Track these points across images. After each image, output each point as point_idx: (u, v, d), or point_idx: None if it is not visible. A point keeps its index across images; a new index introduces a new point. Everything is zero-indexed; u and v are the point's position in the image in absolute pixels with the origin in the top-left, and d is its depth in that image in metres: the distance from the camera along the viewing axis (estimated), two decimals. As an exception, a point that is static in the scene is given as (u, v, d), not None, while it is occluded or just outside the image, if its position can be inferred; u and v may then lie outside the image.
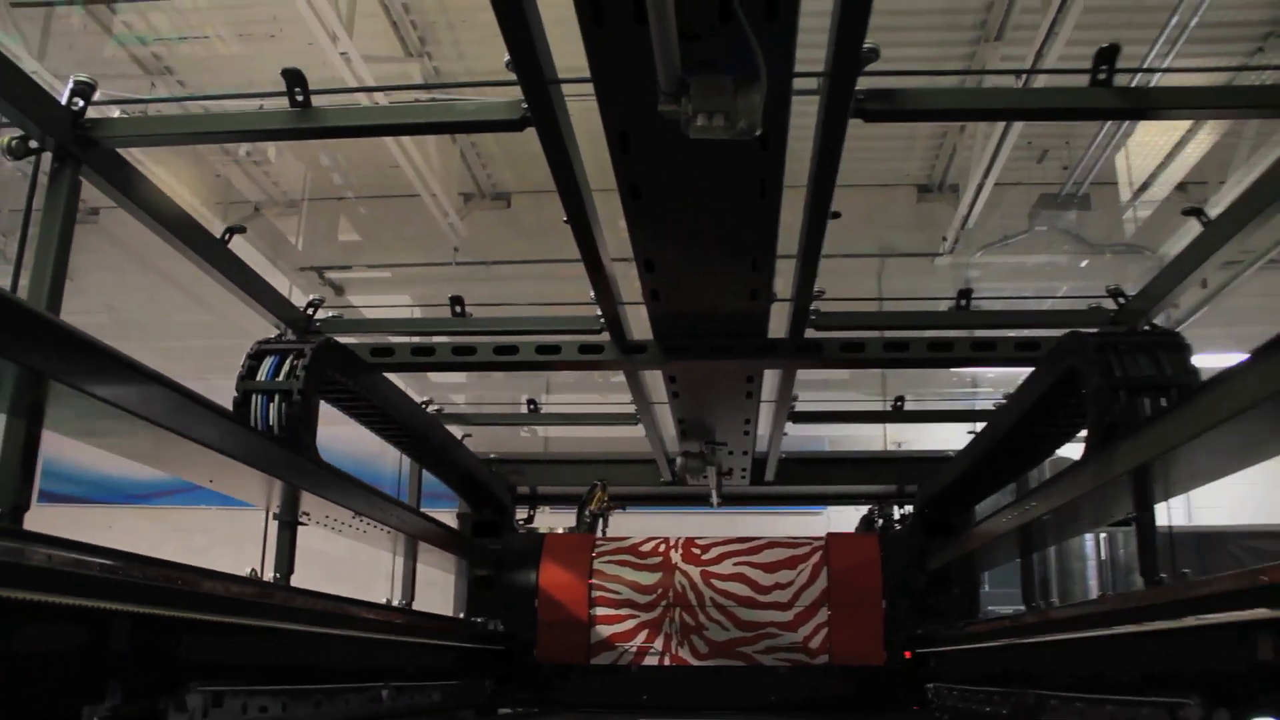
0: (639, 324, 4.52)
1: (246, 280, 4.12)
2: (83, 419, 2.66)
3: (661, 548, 6.43)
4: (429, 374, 9.02)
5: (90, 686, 2.37)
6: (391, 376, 4.92)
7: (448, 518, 6.36)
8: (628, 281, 4.02)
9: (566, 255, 3.83)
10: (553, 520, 7.82)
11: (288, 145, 10.89)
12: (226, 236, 3.91)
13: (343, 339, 4.43)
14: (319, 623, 3.53)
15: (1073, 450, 4.05)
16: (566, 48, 2.61)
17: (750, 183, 2.91)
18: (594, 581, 6.29)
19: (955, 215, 10.47)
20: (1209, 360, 3.51)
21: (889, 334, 4.71)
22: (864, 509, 7.54)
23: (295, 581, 4.15)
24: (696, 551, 6.39)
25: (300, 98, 3.10)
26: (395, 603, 5.59)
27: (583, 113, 2.89)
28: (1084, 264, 9.87)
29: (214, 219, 9.79)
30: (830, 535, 6.52)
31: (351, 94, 7.30)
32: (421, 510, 5.49)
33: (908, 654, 5.98)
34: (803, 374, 5.10)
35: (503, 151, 11.57)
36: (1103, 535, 9.16)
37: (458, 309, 4.84)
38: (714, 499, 7.06)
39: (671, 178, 2.89)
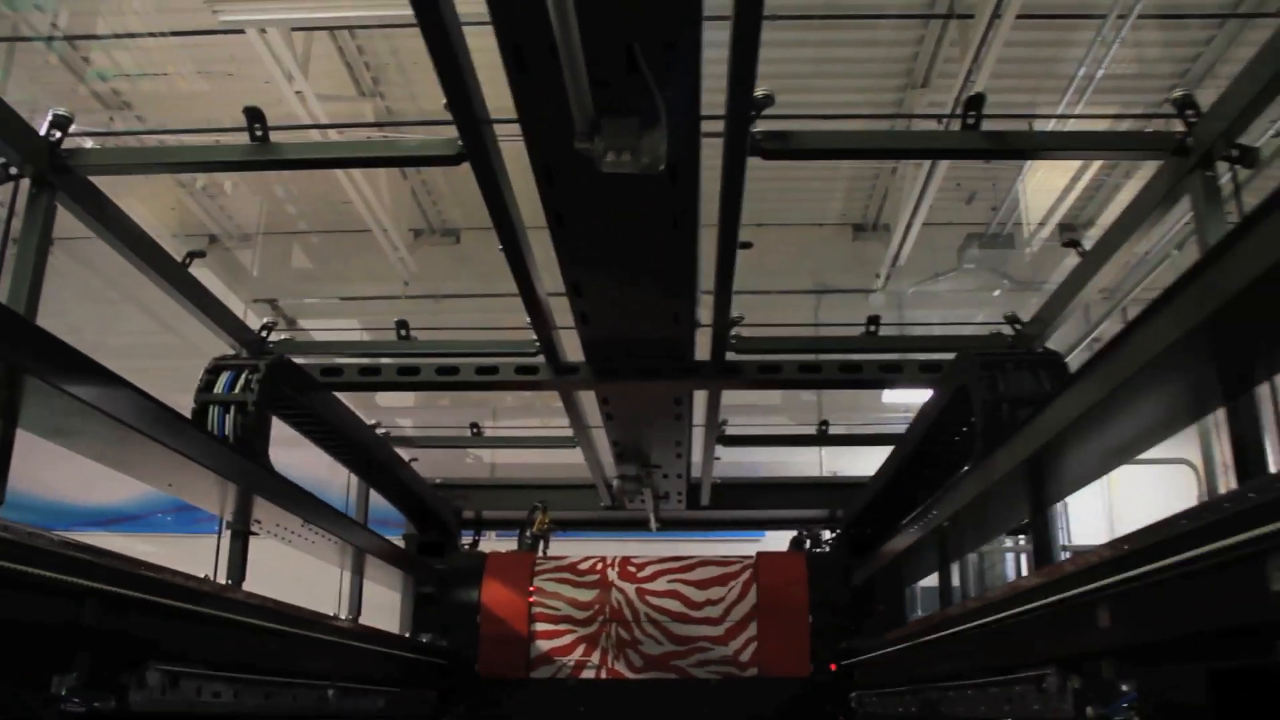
0: (574, 350, 4.82)
1: (205, 303, 4.41)
2: (55, 417, 2.93)
3: (599, 566, 6.71)
4: (378, 399, 9.27)
5: (60, 658, 2.64)
6: (342, 400, 5.20)
7: (394, 542, 6.61)
8: (563, 310, 4.33)
9: (512, 290, 4.14)
10: (497, 546, 8.08)
11: (245, 179, 11.17)
12: (187, 261, 4.20)
13: (295, 359, 4.71)
14: (271, 620, 3.79)
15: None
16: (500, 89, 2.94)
17: (664, 214, 3.25)
18: (534, 599, 6.56)
19: (887, 253, 10.97)
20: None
21: (804, 357, 5.05)
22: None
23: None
24: (632, 569, 6.68)
25: (260, 133, 3.42)
26: (343, 618, 5.84)
27: (519, 150, 3.22)
28: (995, 294, 10.38)
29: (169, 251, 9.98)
30: (760, 554, 6.83)
31: (305, 130, 7.60)
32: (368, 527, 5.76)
33: (833, 666, 6.29)
34: (737, 400, 5.44)
35: (452, 190, 11.92)
36: (1023, 557, 9.56)
37: (403, 332, 5.15)
38: (652, 523, 7.37)
39: (592, 208, 3.22)
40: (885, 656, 5.42)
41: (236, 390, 4.01)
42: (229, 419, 3.95)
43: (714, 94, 2.83)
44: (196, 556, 5.15)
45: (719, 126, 3.08)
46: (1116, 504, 11.67)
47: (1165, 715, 2.41)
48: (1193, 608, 2.23)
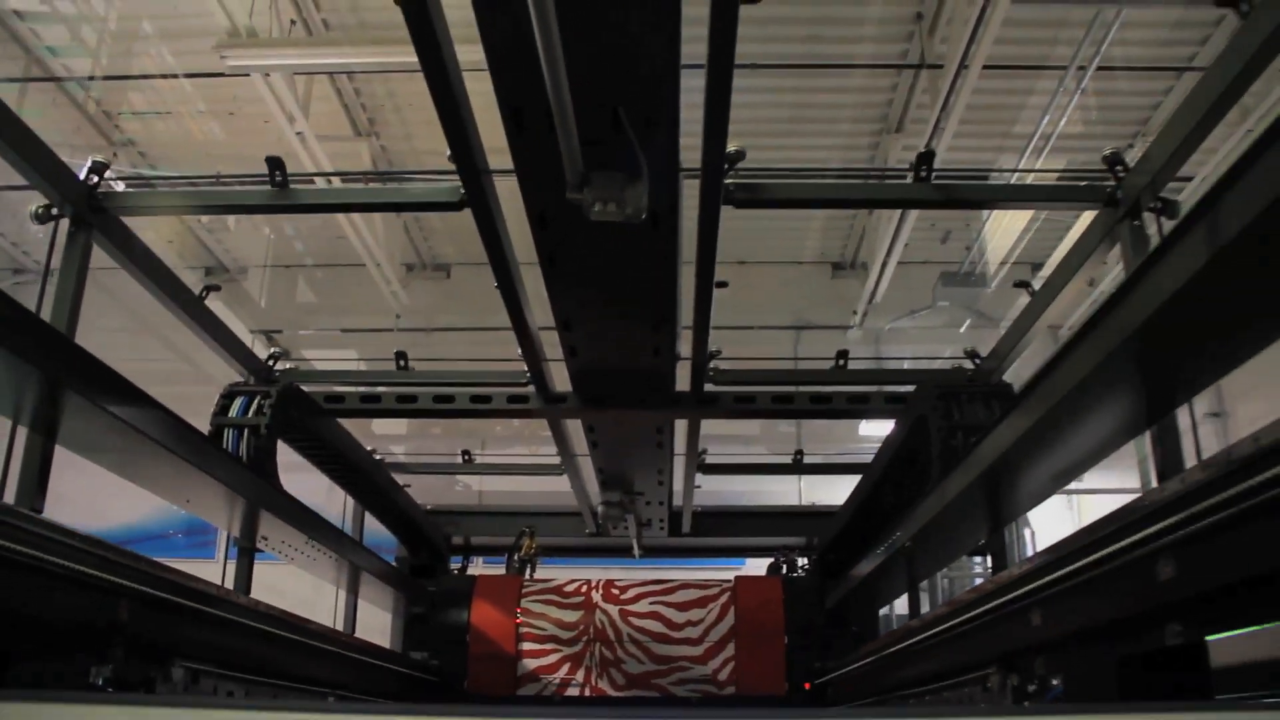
0: (562, 381, 5.13)
1: (218, 332, 4.73)
2: (93, 434, 3.24)
3: (584, 588, 7.01)
4: (374, 428, 9.57)
5: (97, 651, 2.94)
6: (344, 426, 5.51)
7: (387, 564, 6.90)
8: (551, 343, 4.64)
9: (500, 324, 4.45)
10: (484, 571, 8.36)
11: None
12: (204, 293, 4.52)
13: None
14: (281, 628, 4.09)
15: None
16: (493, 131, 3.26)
17: (647, 257, 3.58)
18: (521, 619, 6.85)
19: (864, 290, 11.36)
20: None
21: (777, 389, 5.38)
22: (777, 560, 8.15)
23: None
24: (616, 592, 6.98)
25: (279, 179, 3.76)
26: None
27: (512, 192, 3.55)
28: (961, 330, 10.77)
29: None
30: (738, 578, 7.15)
31: (315, 175, 7.98)
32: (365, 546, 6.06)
33: (807, 685, 6.59)
34: (717, 429, 5.74)
35: (444, 226, 12.30)
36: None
37: (402, 363, 5.47)
38: (635, 550, 7.67)
39: (581, 251, 3.54)
40: (853, 673, 5.72)
41: (250, 414, 4.33)
42: (243, 442, 4.26)
43: (693, 150, 3.18)
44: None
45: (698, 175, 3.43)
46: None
47: (1086, 696, 2.75)
48: (1101, 603, 2.57)
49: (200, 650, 3.42)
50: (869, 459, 6.16)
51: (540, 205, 3.26)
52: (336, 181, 8.83)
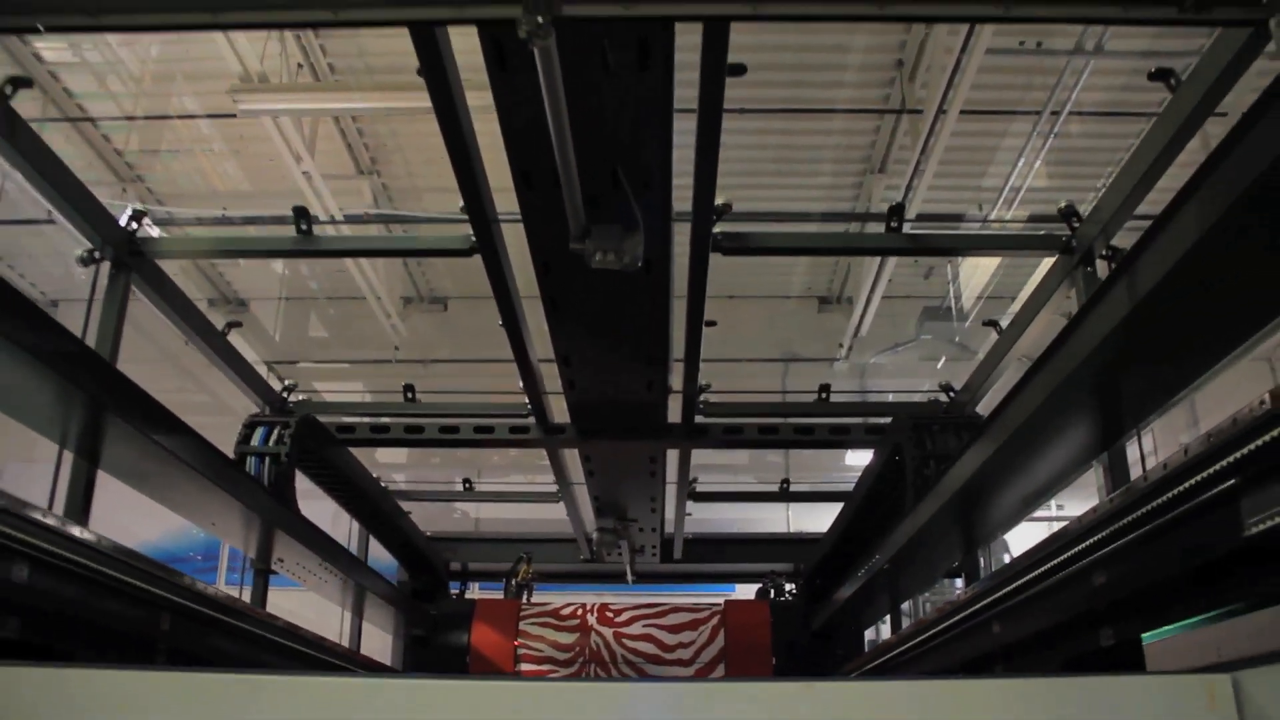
0: (560, 413, 5.40)
1: (240, 366, 5.03)
2: (134, 460, 3.54)
3: (579, 611, 7.30)
4: (378, 456, 9.85)
5: (143, 655, 3.23)
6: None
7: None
8: (550, 376, 4.94)
9: (495, 355, 4.72)
10: (482, 596, 8.63)
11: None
12: (226, 330, 4.84)
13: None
14: (301, 643, 4.38)
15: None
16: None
17: (641, 299, 3.89)
18: (519, 641, 7.14)
19: (849, 325, 11.70)
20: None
21: (764, 420, 5.69)
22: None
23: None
24: (610, 615, 7.27)
25: (305, 227, 4.08)
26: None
27: (516, 237, 3.84)
28: (939, 365, 11.09)
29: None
30: (727, 601, 7.45)
31: (328, 223, 8.34)
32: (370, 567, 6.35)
33: (793, 704, 6.84)
34: (708, 459, 6.02)
35: (443, 261, 12.59)
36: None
37: (409, 395, 5.77)
38: (629, 575, 7.95)
39: (581, 294, 3.84)
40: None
41: (271, 443, 4.64)
42: (264, 469, 4.56)
43: (685, 191, 3.49)
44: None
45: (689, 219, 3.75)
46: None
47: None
48: (1050, 611, 2.89)
49: (228, 659, 3.71)
50: (850, 487, 6.46)
51: (545, 254, 3.57)
52: (345, 229, 9.22)
